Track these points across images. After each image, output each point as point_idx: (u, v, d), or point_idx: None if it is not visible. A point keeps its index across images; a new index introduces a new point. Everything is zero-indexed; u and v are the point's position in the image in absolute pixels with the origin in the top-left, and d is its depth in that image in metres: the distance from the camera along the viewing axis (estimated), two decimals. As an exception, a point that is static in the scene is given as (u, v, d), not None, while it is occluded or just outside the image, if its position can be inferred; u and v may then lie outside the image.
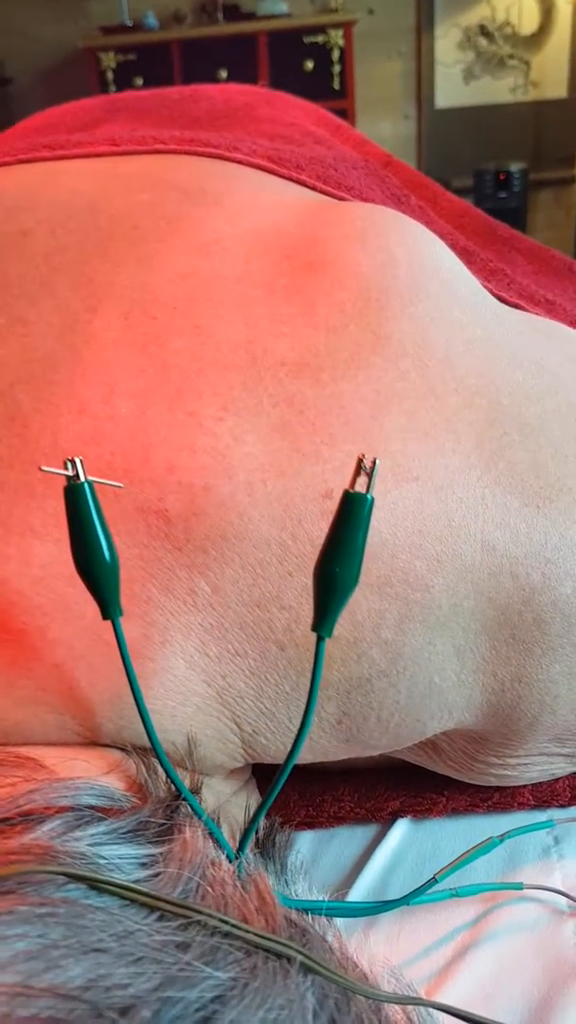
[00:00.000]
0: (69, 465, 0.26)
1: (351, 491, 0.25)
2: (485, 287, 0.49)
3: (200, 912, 0.22)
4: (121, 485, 0.29)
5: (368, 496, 0.25)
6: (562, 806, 0.38)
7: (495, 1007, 0.31)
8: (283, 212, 0.41)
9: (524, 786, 0.39)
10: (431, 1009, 0.27)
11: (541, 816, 0.39)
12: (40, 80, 2.86)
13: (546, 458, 0.33)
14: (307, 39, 2.60)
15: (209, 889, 0.24)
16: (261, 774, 0.40)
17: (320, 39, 2.60)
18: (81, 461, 0.26)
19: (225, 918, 0.22)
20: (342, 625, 0.30)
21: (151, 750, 0.28)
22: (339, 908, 0.30)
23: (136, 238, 0.37)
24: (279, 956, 0.23)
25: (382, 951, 0.33)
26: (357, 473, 0.25)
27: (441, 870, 0.32)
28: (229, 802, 0.34)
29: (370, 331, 0.34)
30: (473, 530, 0.31)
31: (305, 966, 0.23)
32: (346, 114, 2.70)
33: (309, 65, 2.63)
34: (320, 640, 0.26)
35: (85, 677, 0.29)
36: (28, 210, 0.40)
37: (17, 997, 0.18)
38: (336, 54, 2.61)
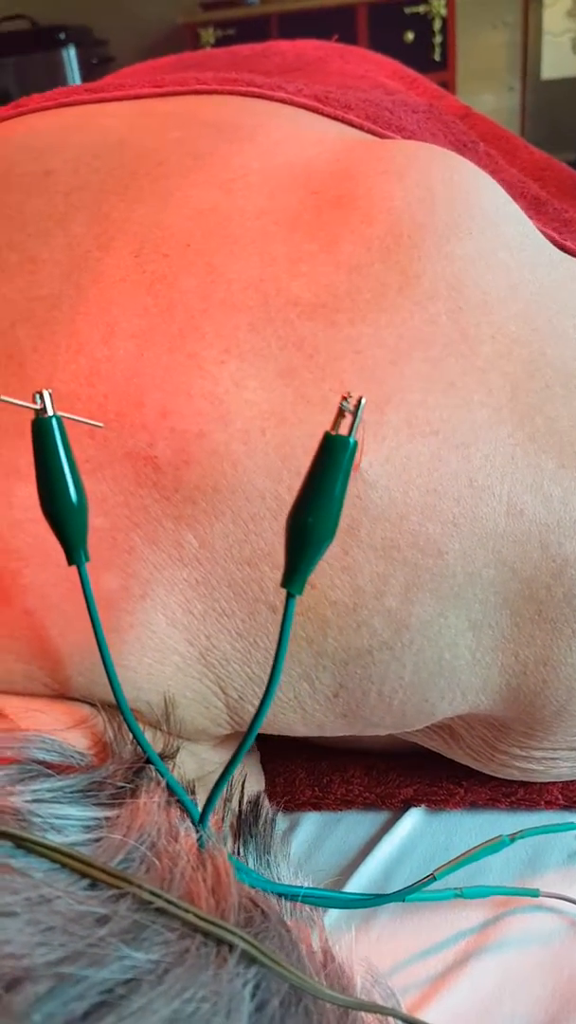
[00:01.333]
0: (38, 398, 0.24)
1: (331, 433, 0.22)
2: (550, 235, 0.45)
3: (131, 883, 0.20)
4: (101, 424, 0.27)
5: (351, 439, 0.22)
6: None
7: (488, 1022, 0.28)
8: (319, 148, 0.38)
9: (553, 783, 0.35)
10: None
11: (572, 818, 0.35)
12: (142, 58, 2.87)
13: None
14: (408, 9, 2.53)
15: (155, 861, 0.22)
16: (270, 749, 0.38)
17: (421, 9, 2.52)
18: (50, 395, 0.24)
19: (159, 893, 0.20)
20: (340, 589, 0.28)
21: (119, 708, 0.26)
22: (322, 897, 0.28)
23: (159, 175, 0.35)
24: (220, 942, 0.21)
25: (375, 950, 0.31)
26: (340, 414, 0.23)
27: (442, 866, 0.29)
28: (217, 773, 0.32)
29: (398, 270, 0.30)
30: (498, 492, 0.28)
31: (249, 956, 0.20)
32: (447, 86, 2.61)
33: (409, 36, 2.55)
34: (289, 597, 0.23)
35: (57, 627, 0.27)
36: (55, 150, 0.38)
37: None
38: (438, 24, 2.53)
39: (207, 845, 0.24)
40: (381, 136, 0.44)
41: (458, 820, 0.35)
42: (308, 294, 0.29)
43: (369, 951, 0.30)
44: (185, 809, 0.25)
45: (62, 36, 2.62)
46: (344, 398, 0.22)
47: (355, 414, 0.22)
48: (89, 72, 2.72)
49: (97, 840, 0.22)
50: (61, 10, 2.77)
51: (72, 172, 0.36)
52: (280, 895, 0.26)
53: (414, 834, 0.35)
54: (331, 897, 0.28)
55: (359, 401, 0.22)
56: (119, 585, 0.27)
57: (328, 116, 0.44)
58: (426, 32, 2.54)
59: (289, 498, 0.27)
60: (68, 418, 0.25)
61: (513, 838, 0.30)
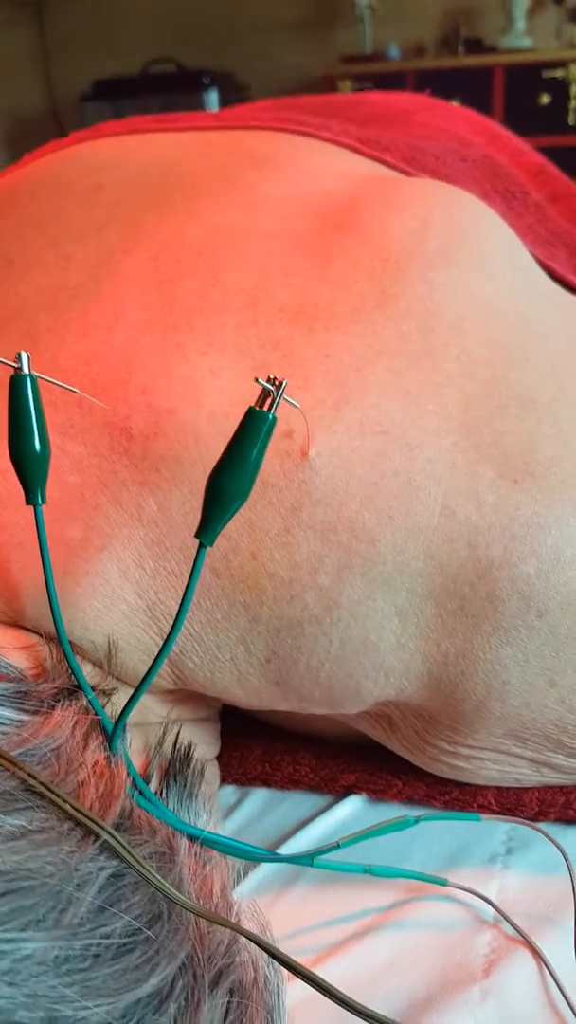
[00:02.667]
0: (17, 358, 0.28)
1: (254, 408, 0.25)
2: (569, 279, 0.47)
3: (16, 765, 0.23)
4: (75, 390, 0.30)
5: (270, 415, 0.25)
6: (528, 819, 0.35)
7: (374, 992, 0.30)
8: (341, 181, 0.41)
9: (487, 788, 0.36)
10: (276, 964, 0.26)
11: (504, 827, 0.36)
12: (281, 105, 3.01)
13: (544, 437, 0.32)
14: (546, 73, 2.55)
15: (53, 761, 0.25)
16: (232, 727, 0.41)
17: (559, 74, 2.54)
18: (28, 356, 0.28)
19: (34, 774, 0.23)
20: (279, 563, 0.30)
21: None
22: (227, 845, 0.30)
23: (192, 195, 0.39)
24: (89, 834, 0.23)
25: (283, 912, 0.33)
26: (265, 393, 0.26)
27: (346, 836, 0.31)
28: (161, 728, 0.34)
29: (379, 289, 0.33)
30: (434, 492, 0.30)
31: (109, 847, 0.23)
32: (578, 152, 2.62)
33: (545, 99, 2.57)
34: (200, 547, 0.26)
35: (19, 562, 0.30)
36: (109, 168, 0.43)
37: None
38: (575, 89, 2.55)
39: (111, 763, 0.27)
40: (411, 176, 0.47)
41: (393, 812, 0.37)
42: (292, 302, 0.33)
43: (278, 913, 0.32)
44: (104, 731, 0.28)
45: (206, 80, 2.77)
46: (270, 378, 0.25)
47: (276, 393, 0.25)
48: (230, 117, 2.86)
49: (4, 735, 0.25)
50: (207, 56, 2.93)
51: (118, 188, 0.40)
52: (184, 833, 0.29)
53: (350, 818, 0.37)
54: (235, 846, 0.30)
55: (279, 384, 0.25)
56: (81, 535, 0.31)
57: (366, 156, 0.48)
58: (562, 96, 2.56)
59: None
60: (43, 379, 0.28)
61: (417, 819, 0.32)
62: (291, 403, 0.27)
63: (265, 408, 0.25)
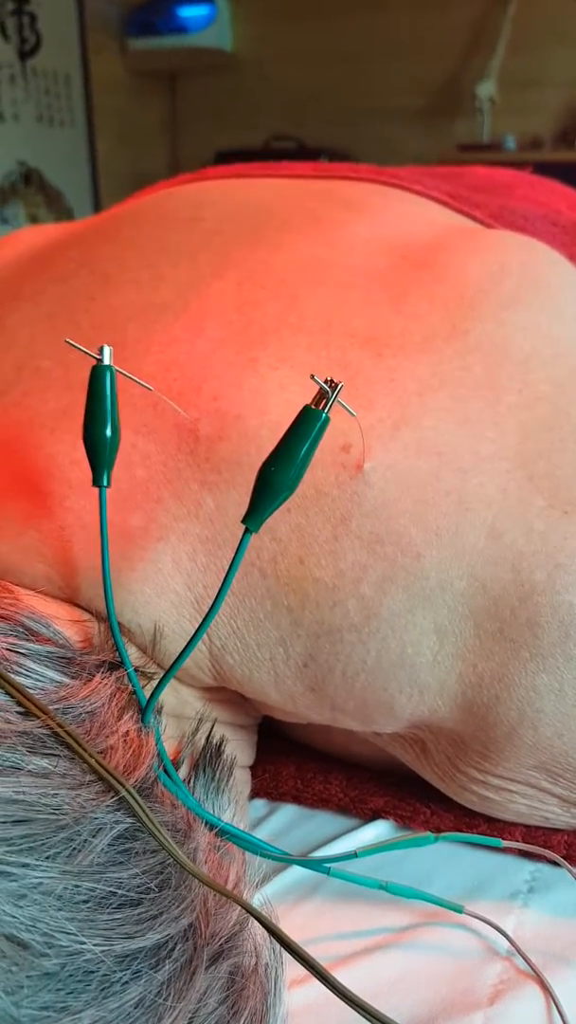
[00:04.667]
0: (100, 351, 0.30)
1: (309, 406, 0.27)
2: None
3: (49, 715, 0.25)
4: (151, 388, 0.33)
5: (323, 414, 0.27)
6: (552, 862, 0.35)
7: (377, 1006, 0.29)
8: (427, 228, 0.44)
9: (516, 826, 0.36)
10: (278, 954, 0.27)
11: (529, 866, 0.35)
12: (394, 186, 3.11)
13: None
14: None
15: (87, 722, 0.26)
16: (268, 743, 0.41)
17: None
18: (110, 350, 0.30)
19: (65, 727, 0.25)
20: (325, 569, 0.31)
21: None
22: (244, 839, 0.31)
23: (281, 230, 0.42)
24: (110, 789, 0.25)
25: (299, 920, 0.33)
26: (321, 394, 0.27)
27: (365, 847, 0.31)
28: (196, 720, 0.35)
29: (450, 324, 0.35)
30: (483, 515, 0.31)
31: (127, 805, 0.24)
32: None
33: None
34: (246, 532, 0.27)
35: (81, 544, 0.32)
36: (209, 204, 0.46)
37: None
38: None
39: (141, 735, 0.28)
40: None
41: (419, 840, 0.37)
42: (365, 329, 0.35)
43: (293, 921, 0.32)
44: (139, 706, 0.30)
45: (324, 158, 2.88)
46: (325, 380, 0.27)
47: (331, 395, 0.27)
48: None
49: (44, 692, 0.27)
50: (328, 136, 3.05)
51: (215, 221, 0.43)
52: (204, 820, 0.30)
53: (373, 840, 0.37)
54: (251, 841, 0.31)
55: (336, 385, 0.27)
56: (141, 525, 0.32)
57: (455, 209, 0.50)
58: None
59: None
60: (121, 373, 0.31)
61: (438, 837, 0.32)
62: (345, 407, 0.29)
63: (320, 408, 0.27)
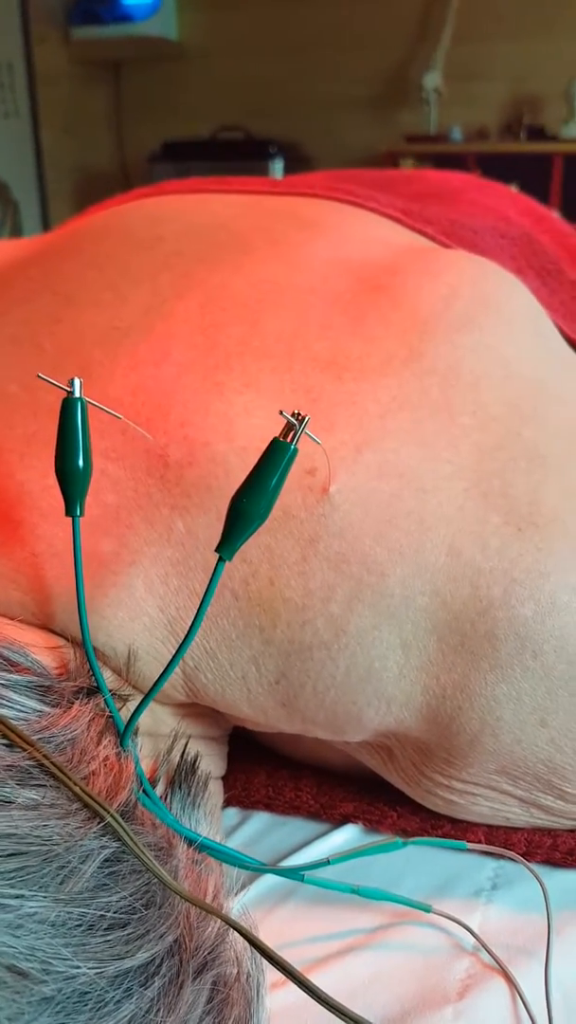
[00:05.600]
0: (71, 383, 0.31)
1: (277, 439, 0.28)
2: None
3: (34, 747, 0.26)
4: (120, 416, 0.33)
5: (291, 446, 0.28)
6: (503, 856, 0.37)
7: (352, 1005, 0.30)
8: (382, 249, 0.45)
9: (478, 826, 0.37)
10: (258, 962, 0.28)
11: (492, 864, 0.37)
12: (343, 177, 3.12)
13: (548, 491, 0.34)
14: (603, 163, 2.63)
15: (68, 749, 0.27)
16: (240, 751, 0.42)
17: (616, 165, 2.61)
18: (80, 382, 0.31)
19: (50, 757, 0.25)
20: (294, 589, 0.33)
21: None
22: (221, 851, 0.32)
23: (240, 251, 0.43)
24: (94, 816, 0.25)
25: (273, 926, 0.34)
26: (288, 427, 0.28)
27: (337, 854, 0.33)
28: (170, 738, 0.36)
29: (407, 347, 0.36)
30: (443, 533, 0.32)
31: (111, 830, 0.25)
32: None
33: (601, 188, 2.64)
34: (220, 561, 0.28)
35: (54, 572, 0.33)
36: (169, 222, 0.47)
37: None
38: (631, 181, 2.61)
39: (120, 759, 0.29)
40: (449, 248, 0.50)
41: (387, 843, 0.38)
42: (326, 353, 0.36)
43: (268, 927, 0.34)
44: (117, 731, 0.31)
45: (272, 150, 2.88)
46: (294, 413, 0.28)
47: (298, 427, 0.28)
48: (293, 185, 2.97)
49: (26, 721, 0.28)
50: (276, 126, 3.05)
51: (175, 241, 0.44)
52: (181, 836, 0.31)
53: (343, 845, 0.38)
54: (229, 853, 0.32)
55: (302, 418, 0.28)
56: (113, 550, 0.33)
57: (408, 227, 0.51)
58: (617, 186, 2.63)
59: (265, 507, 0.33)
60: (92, 404, 0.32)
61: (406, 842, 0.33)
62: (312, 438, 0.30)
63: (288, 440, 0.28)
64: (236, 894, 0.32)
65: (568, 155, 2.67)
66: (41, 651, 0.32)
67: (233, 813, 0.41)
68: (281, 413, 0.28)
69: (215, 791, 0.39)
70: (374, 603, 0.32)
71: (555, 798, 0.35)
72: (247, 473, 0.33)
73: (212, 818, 0.35)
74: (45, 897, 0.22)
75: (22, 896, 0.22)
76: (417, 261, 0.43)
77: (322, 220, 0.47)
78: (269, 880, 0.37)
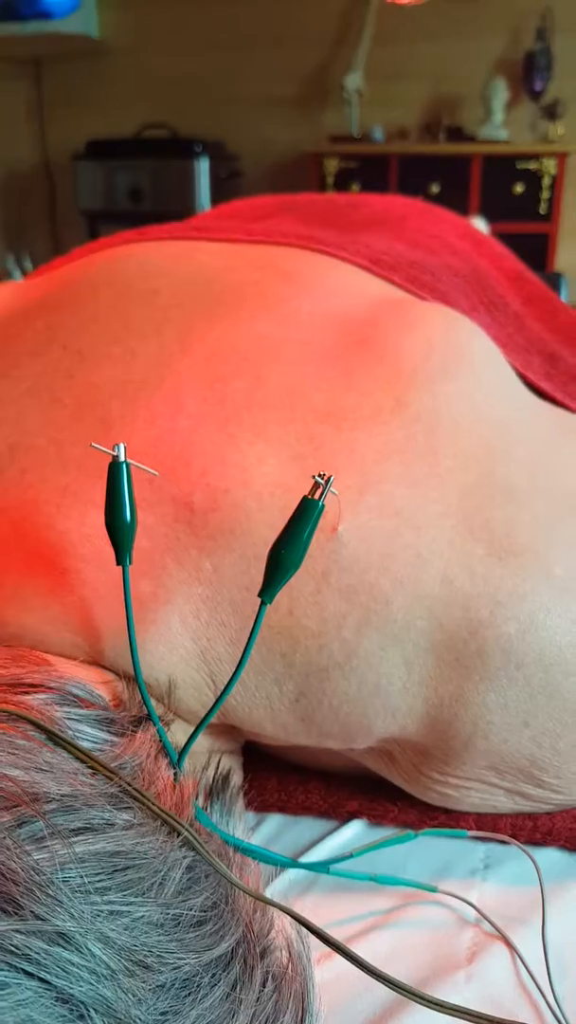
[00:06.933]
0: (116, 448, 0.35)
1: (307, 497, 0.33)
2: (541, 386, 0.56)
3: (116, 775, 0.30)
4: (155, 472, 0.38)
5: (319, 503, 0.33)
6: (497, 840, 0.42)
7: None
8: (359, 300, 0.50)
9: (468, 814, 0.43)
10: (305, 944, 0.33)
11: (483, 847, 0.43)
12: (268, 176, 3.16)
13: (523, 523, 0.39)
14: (520, 164, 2.72)
15: (139, 773, 0.32)
16: (252, 760, 0.47)
17: (533, 166, 2.71)
18: (124, 447, 0.35)
19: (133, 785, 0.30)
20: (311, 618, 0.37)
21: (134, 677, 0.36)
22: (259, 853, 0.36)
23: (235, 305, 0.47)
24: (172, 831, 0.30)
25: (303, 913, 0.39)
26: (316, 485, 0.33)
27: (358, 847, 0.38)
28: (202, 754, 0.41)
29: (393, 397, 0.41)
30: (437, 564, 0.37)
31: (188, 843, 0.30)
32: (549, 238, 2.78)
33: (519, 188, 2.74)
34: (262, 604, 0.33)
35: (100, 613, 0.37)
36: (162, 274, 0.51)
37: None
38: (547, 181, 2.72)
39: (179, 779, 0.34)
40: (416, 295, 0.56)
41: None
42: (324, 405, 0.40)
43: (299, 912, 0.38)
44: (166, 752, 0.35)
45: (198, 148, 2.89)
46: (320, 474, 0.33)
47: (324, 486, 0.33)
48: (218, 183, 2.99)
49: (101, 751, 0.32)
50: (202, 125, 3.07)
51: (172, 294, 0.48)
52: (226, 841, 0.35)
53: (352, 839, 0.44)
54: (267, 855, 0.37)
55: (328, 478, 0.33)
56: (150, 591, 0.38)
57: (376, 275, 0.56)
58: (535, 187, 2.73)
59: (284, 547, 0.37)
60: (135, 465, 0.36)
61: (417, 834, 0.39)
62: (335, 493, 0.35)
63: (315, 497, 0.33)
64: (265, 887, 0.37)
65: (486, 156, 2.77)
66: (99, 686, 0.36)
67: (249, 816, 0.46)
68: (313, 477, 0.33)
69: (237, 788, 0.43)
70: (380, 628, 0.37)
71: (535, 786, 0.41)
72: (264, 515, 0.38)
73: (242, 823, 0.40)
74: (150, 902, 0.27)
75: (133, 903, 0.26)
76: (392, 315, 0.48)
77: (301, 273, 0.52)
78: (291, 873, 0.41)
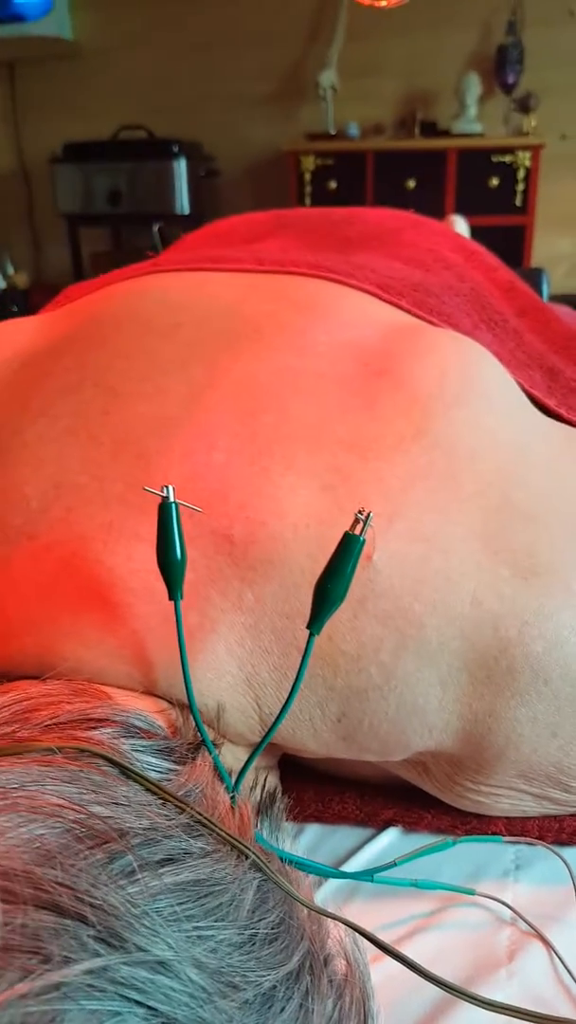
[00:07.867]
0: (165, 489, 0.37)
1: (349, 532, 0.35)
2: (545, 402, 0.58)
3: (187, 804, 0.32)
4: (200, 510, 0.40)
5: (360, 538, 0.35)
6: (529, 843, 0.45)
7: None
8: (372, 329, 0.52)
9: (498, 818, 0.46)
10: (362, 950, 0.35)
11: (512, 849, 0.45)
12: (245, 175, 3.17)
13: (542, 544, 0.42)
14: (495, 158, 2.75)
15: (203, 799, 0.34)
16: (289, 772, 0.49)
17: (508, 159, 2.74)
18: (173, 489, 0.37)
19: (203, 814, 0.32)
20: (349, 643, 0.39)
21: (187, 705, 0.38)
22: (311, 866, 0.39)
23: (255, 338, 0.49)
24: (240, 855, 0.32)
25: (349, 918, 0.41)
26: (356, 521, 0.35)
27: (400, 856, 0.40)
28: (255, 774, 0.43)
29: (413, 426, 0.43)
30: (466, 587, 0.40)
31: (255, 864, 0.32)
32: (525, 229, 2.81)
33: (494, 182, 2.77)
34: (311, 635, 0.35)
35: (153, 645, 0.39)
36: (183, 308, 0.53)
37: (63, 810, 0.28)
38: (521, 174, 2.75)
39: (237, 801, 0.36)
40: (424, 319, 0.58)
41: (424, 840, 0.46)
42: (348, 435, 0.43)
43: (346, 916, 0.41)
44: (221, 777, 0.37)
45: (175, 148, 2.90)
46: (360, 511, 0.35)
47: (364, 522, 0.35)
48: (196, 183, 3.00)
49: (169, 780, 0.34)
50: (178, 126, 3.07)
51: (195, 328, 0.50)
52: (280, 857, 0.38)
53: (390, 846, 0.46)
54: (316, 867, 0.39)
55: (368, 515, 0.35)
56: (196, 621, 0.40)
57: (385, 301, 0.58)
58: (510, 180, 2.76)
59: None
60: (182, 504, 0.38)
61: (456, 840, 0.41)
62: (371, 527, 0.37)
63: (357, 532, 0.35)
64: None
65: (461, 150, 2.79)
66: (156, 716, 0.38)
67: (288, 826, 0.48)
68: (356, 514, 0.35)
69: (283, 805, 0.46)
70: (416, 650, 0.39)
71: (562, 791, 0.44)
72: (300, 545, 0.40)
73: (288, 837, 0.42)
74: (230, 925, 0.29)
75: (215, 927, 0.28)
76: (405, 342, 0.50)
77: (314, 303, 0.54)
78: (333, 882, 0.44)
